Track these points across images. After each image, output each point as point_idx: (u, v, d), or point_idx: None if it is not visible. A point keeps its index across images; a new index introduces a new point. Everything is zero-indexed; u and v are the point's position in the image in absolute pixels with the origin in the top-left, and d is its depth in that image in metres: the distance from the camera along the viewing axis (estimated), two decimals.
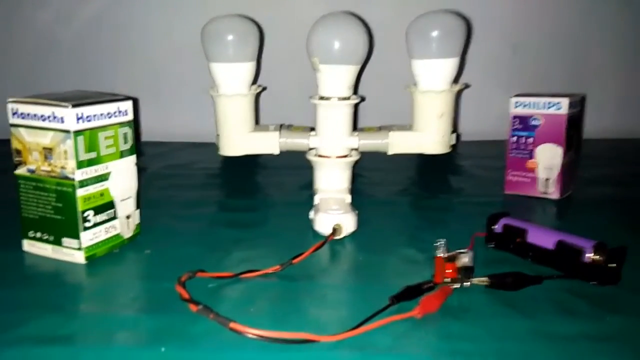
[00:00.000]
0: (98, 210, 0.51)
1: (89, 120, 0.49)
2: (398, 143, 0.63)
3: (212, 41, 0.63)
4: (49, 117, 0.48)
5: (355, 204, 0.60)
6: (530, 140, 0.68)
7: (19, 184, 0.51)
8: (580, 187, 0.72)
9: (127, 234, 0.55)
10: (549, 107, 0.66)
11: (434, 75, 0.62)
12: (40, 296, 0.45)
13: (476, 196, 0.70)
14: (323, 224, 0.56)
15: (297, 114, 0.88)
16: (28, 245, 0.53)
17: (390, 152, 0.64)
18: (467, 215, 0.63)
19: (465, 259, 0.45)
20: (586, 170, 0.79)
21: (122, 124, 0.52)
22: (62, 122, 0.48)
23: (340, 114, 0.62)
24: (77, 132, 0.48)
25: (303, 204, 0.63)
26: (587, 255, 0.46)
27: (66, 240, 0.50)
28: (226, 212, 0.65)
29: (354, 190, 0.63)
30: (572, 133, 0.68)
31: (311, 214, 0.59)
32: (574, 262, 0.47)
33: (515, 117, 0.68)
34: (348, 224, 0.55)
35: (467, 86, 0.71)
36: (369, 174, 0.78)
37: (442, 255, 0.45)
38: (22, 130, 0.50)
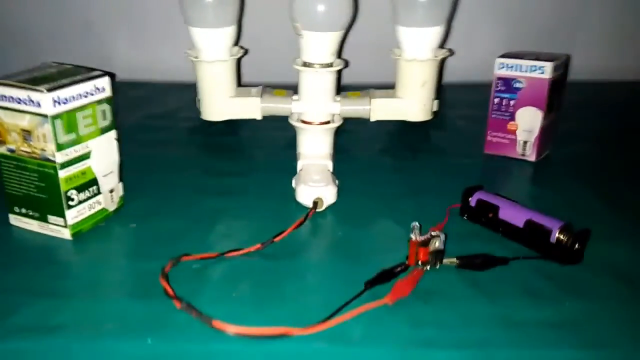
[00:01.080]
0: (81, 188, 0.52)
1: (66, 103, 0.48)
2: (380, 110, 0.63)
3: (190, 3, 0.60)
4: (24, 100, 0.47)
5: (336, 164, 0.60)
6: (512, 102, 0.68)
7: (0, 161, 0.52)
8: (559, 144, 0.73)
9: (112, 207, 0.56)
10: (532, 71, 0.66)
11: (418, 43, 0.61)
12: (26, 277, 0.46)
13: (456, 156, 0.71)
14: (304, 196, 0.57)
15: (280, 73, 0.85)
16: (14, 220, 0.54)
17: (372, 119, 0.64)
18: (446, 178, 0.64)
19: (437, 244, 0.47)
20: (567, 121, 0.78)
21: (99, 102, 0.52)
22: (39, 106, 0.47)
23: (323, 80, 0.61)
24: (55, 116, 0.48)
25: (287, 162, 0.63)
26: (554, 235, 0.49)
27: (52, 218, 0.51)
28: (210, 177, 0.65)
29: (336, 146, 0.63)
30: (553, 96, 0.68)
31: (294, 183, 0.60)
32: (541, 241, 0.50)
33: (499, 78, 0.68)
34: (329, 196, 0.57)
35: (451, 53, 0.70)
36: (351, 127, 0.78)
37: (416, 239, 0.47)
38: None
